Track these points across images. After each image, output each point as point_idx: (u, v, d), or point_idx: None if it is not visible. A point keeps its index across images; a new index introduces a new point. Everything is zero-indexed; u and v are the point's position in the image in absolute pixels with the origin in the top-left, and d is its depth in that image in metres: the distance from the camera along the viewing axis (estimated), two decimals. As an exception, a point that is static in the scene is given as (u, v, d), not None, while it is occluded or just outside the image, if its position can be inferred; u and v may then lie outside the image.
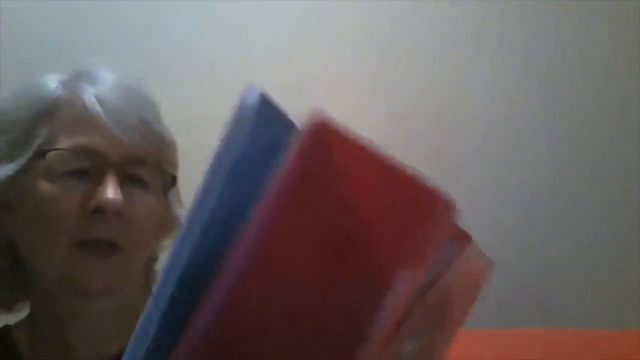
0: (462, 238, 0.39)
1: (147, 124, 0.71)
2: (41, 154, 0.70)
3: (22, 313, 0.78)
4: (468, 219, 0.40)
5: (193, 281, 0.34)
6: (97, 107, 0.69)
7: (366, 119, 1.33)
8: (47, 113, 0.71)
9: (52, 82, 0.73)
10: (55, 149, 0.69)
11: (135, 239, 0.70)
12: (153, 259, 0.79)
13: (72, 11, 1.35)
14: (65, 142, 0.70)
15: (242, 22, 1.42)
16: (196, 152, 1.32)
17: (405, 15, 1.44)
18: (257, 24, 1.42)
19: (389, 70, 1.43)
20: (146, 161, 0.71)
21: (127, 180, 0.70)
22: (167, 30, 1.38)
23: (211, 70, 1.40)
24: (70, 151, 0.69)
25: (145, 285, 0.77)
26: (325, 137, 0.31)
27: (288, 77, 1.39)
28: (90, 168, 0.69)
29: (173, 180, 0.74)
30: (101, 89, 0.71)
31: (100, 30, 1.35)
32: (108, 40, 1.35)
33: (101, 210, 0.67)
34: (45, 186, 0.69)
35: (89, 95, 0.70)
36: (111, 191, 0.67)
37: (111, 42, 1.35)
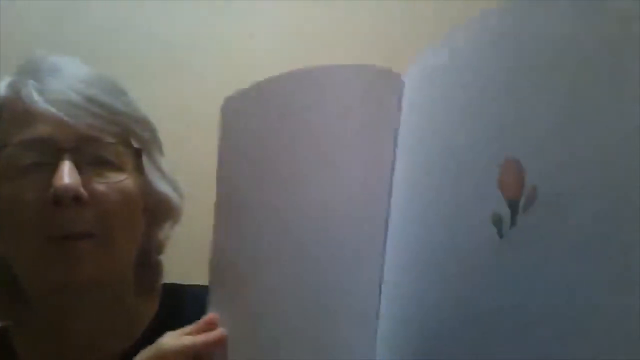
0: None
1: (96, 101, 0.68)
2: None
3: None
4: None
5: None
6: (36, 97, 0.67)
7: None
8: None
9: (1, 86, 0.70)
10: (4, 146, 0.67)
11: (109, 222, 0.66)
12: (155, 249, 0.75)
13: (70, 11, 1.35)
14: (13, 139, 0.67)
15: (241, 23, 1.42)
16: (196, 150, 1.34)
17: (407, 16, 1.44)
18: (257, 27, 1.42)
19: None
20: (103, 139, 0.68)
21: (88, 163, 0.67)
22: (165, 31, 1.38)
23: (210, 70, 1.40)
24: (20, 146, 0.67)
25: (140, 280, 0.73)
26: None
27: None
28: (45, 159, 0.66)
29: (137, 153, 0.70)
30: (43, 78, 0.69)
31: (98, 30, 1.35)
32: (106, 40, 1.35)
33: (60, 199, 0.64)
34: (3, 187, 0.67)
35: (29, 88, 0.68)
36: (64, 176, 0.64)
37: (110, 43, 1.35)
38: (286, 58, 1.44)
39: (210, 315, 0.57)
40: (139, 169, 0.70)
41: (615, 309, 0.35)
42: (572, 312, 0.36)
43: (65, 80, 0.68)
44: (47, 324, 0.69)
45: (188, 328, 0.57)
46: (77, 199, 0.64)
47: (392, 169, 0.49)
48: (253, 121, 0.55)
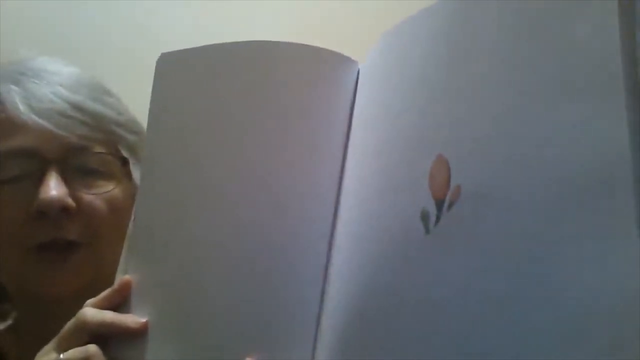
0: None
1: (82, 109, 0.67)
2: None
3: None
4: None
5: None
6: (21, 107, 0.65)
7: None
8: None
9: None
10: None
11: (97, 232, 0.66)
12: None
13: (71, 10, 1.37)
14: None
15: (242, 22, 1.43)
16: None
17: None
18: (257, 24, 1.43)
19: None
20: (91, 149, 0.67)
21: (75, 174, 0.66)
22: (163, 31, 1.39)
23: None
24: (4, 156, 0.65)
25: None
26: None
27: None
28: (31, 170, 0.65)
29: (124, 162, 0.69)
30: (27, 84, 0.67)
31: (96, 30, 1.37)
32: (105, 41, 1.37)
33: (46, 211, 0.63)
34: None
35: (13, 96, 0.66)
36: (50, 189, 0.63)
37: (110, 43, 1.37)
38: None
39: (126, 278, 0.53)
40: (128, 175, 0.69)
41: (531, 303, 0.36)
42: (486, 307, 0.37)
43: (50, 86, 0.67)
44: (38, 329, 0.68)
45: (106, 291, 0.53)
46: (64, 209, 0.63)
47: (344, 150, 0.50)
48: (193, 82, 0.53)
